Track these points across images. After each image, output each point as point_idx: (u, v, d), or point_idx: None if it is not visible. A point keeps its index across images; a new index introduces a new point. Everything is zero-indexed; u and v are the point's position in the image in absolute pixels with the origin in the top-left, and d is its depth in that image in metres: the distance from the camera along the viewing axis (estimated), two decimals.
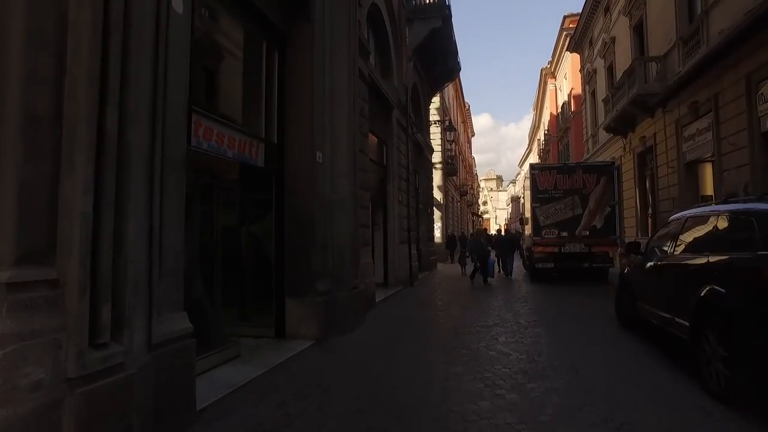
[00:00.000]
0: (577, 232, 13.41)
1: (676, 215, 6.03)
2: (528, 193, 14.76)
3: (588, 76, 23.42)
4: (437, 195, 25.04)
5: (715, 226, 4.69)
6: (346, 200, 7.48)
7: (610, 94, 17.50)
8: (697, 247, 5.01)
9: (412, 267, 13.95)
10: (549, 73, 37.40)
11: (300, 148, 6.66)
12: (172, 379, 3.42)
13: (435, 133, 23.97)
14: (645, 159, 16.08)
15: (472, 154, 61.15)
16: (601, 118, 19.72)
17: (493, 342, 6.39)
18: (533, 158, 48.14)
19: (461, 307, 9.73)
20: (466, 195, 42.41)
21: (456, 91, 36.05)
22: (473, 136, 59.86)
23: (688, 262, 4.93)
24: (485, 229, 24.69)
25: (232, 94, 6.82)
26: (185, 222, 5.53)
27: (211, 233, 6.46)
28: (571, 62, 28.21)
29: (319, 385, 4.66)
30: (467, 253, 19.29)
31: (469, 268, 17.99)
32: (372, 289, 9.37)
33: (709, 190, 11.76)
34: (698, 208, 5.58)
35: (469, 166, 53.90)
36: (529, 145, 60.57)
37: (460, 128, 39.18)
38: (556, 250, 13.49)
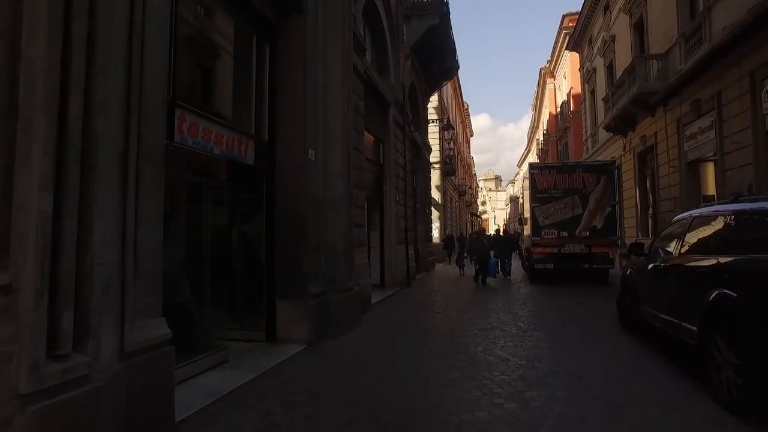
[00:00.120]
0: (576, 233, 13.20)
1: (682, 215, 5.82)
2: (527, 192, 14.54)
3: (587, 75, 23.25)
4: (435, 195, 24.83)
5: (725, 227, 4.47)
6: (340, 199, 7.26)
7: (610, 92, 17.33)
8: (704, 248, 4.79)
9: (410, 268, 13.76)
10: (548, 73, 37.25)
11: (291, 146, 6.44)
12: (147, 389, 3.19)
13: (433, 133, 23.77)
14: (645, 158, 15.90)
15: (471, 154, 61.04)
16: (601, 118, 19.54)
17: (492, 346, 6.18)
18: (532, 158, 47.94)
19: (459, 309, 9.52)
20: (464, 195, 42.22)
21: (454, 90, 35.87)
22: (472, 136, 59.74)
23: (696, 264, 4.71)
24: (483, 230, 24.49)
25: (220, 89, 6.61)
26: (172, 222, 5.39)
27: (199, 233, 6.25)
28: (570, 61, 28.04)
29: (309, 392, 4.45)
30: (466, 254, 19.11)
31: (468, 269, 17.84)
32: (367, 291, 9.16)
33: (711, 189, 11.59)
34: (705, 208, 5.36)
35: (468, 166, 53.76)
36: (527, 145, 60.41)
37: (459, 128, 39.03)
38: (555, 250, 13.28)
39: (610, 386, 4.45)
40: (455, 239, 25.66)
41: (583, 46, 24.00)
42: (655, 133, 14.33)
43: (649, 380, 4.61)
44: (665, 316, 5.32)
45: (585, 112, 24.57)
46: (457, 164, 34.35)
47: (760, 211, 3.99)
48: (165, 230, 4.77)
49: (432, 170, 23.41)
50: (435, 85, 20.77)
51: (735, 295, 3.79)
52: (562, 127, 32.03)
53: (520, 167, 64.87)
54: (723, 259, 4.17)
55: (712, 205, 5.59)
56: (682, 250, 5.24)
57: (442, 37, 16.51)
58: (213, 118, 5.33)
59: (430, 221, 22.17)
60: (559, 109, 33.99)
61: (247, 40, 6.50)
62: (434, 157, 24.18)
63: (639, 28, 15.90)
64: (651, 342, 6.01)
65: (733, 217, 4.38)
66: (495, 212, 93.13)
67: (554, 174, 13.74)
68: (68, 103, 2.45)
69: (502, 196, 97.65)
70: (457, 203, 37.52)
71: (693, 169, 12.46)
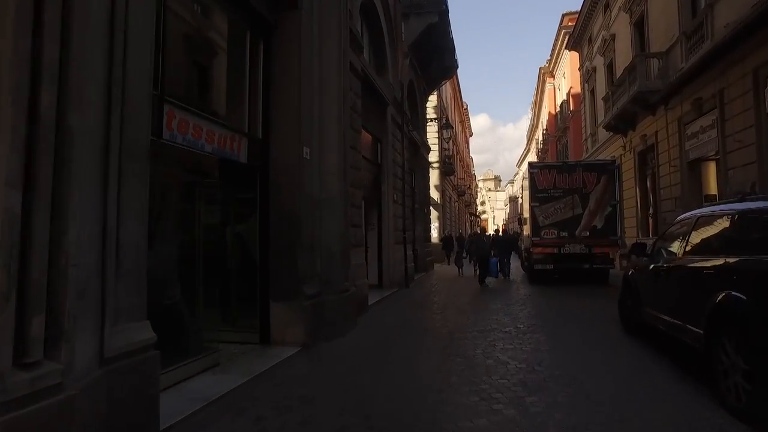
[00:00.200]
0: (576, 233, 13.06)
1: (686, 215, 5.67)
2: (527, 192, 14.40)
3: (587, 75, 23.11)
4: (434, 195, 24.68)
5: (732, 227, 4.32)
6: (336, 199, 7.11)
7: (610, 92, 17.19)
8: (710, 248, 4.65)
9: (408, 268, 13.61)
10: (547, 72, 37.10)
11: (286, 143, 6.29)
12: (129, 396, 3.04)
13: (432, 132, 23.61)
14: (646, 158, 15.77)
15: (470, 154, 60.91)
16: (601, 117, 19.41)
17: (491, 349, 6.03)
18: (531, 158, 47.79)
19: (458, 310, 9.38)
20: (463, 195, 42.05)
21: (454, 90, 35.74)
22: (471, 136, 59.59)
23: (701, 264, 4.57)
24: (484, 230, 24.37)
25: (213, 85, 6.46)
26: (163, 222, 5.24)
27: (191, 233, 6.10)
28: (570, 61, 27.90)
29: (303, 396, 4.31)
30: (465, 254, 18.97)
31: (467, 269, 17.70)
32: (364, 292, 9.01)
33: (712, 189, 11.45)
34: (710, 207, 5.22)
35: (467, 166, 53.62)
36: (527, 145, 60.26)
37: (458, 128, 38.89)
38: (555, 250, 13.13)
39: (612, 391, 4.30)
40: (454, 239, 25.50)
41: (583, 45, 23.86)
42: (656, 132, 14.19)
43: (653, 385, 4.46)
44: (669, 319, 5.18)
45: (585, 112, 24.42)
46: (456, 164, 34.20)
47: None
48: (155, 230, 4.66)
49: (431, 170, 23.26)
50: (434, 85, 20.62)
51: (743, 296, 3.65)
52: (562, 127, 31.88)
53: (519, 167, 64.75)
54: (730, 260, 4.02)
55: (717, 204, 5.44)
56: (687, 251, 5.10)
57: (441, 35, 16.37)
58: (204, 115, 5.18)
59: (429, 221, 22.02)
60: (558, 109, 33.84)
61: (241, 36, 6.34)
62: (433, 156, 24.03)
63: (639, 27, 15.77)
64: (654, 345, 5.86)
65: (740, 216, 4.24)
66: (494, 212, 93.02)
67: (554, 173, 13.59)
68: (39, 94, 2.30)
69: (501, 196, 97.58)
70: (456, 203, 37.37)
71: (694, 168, 12.32)
